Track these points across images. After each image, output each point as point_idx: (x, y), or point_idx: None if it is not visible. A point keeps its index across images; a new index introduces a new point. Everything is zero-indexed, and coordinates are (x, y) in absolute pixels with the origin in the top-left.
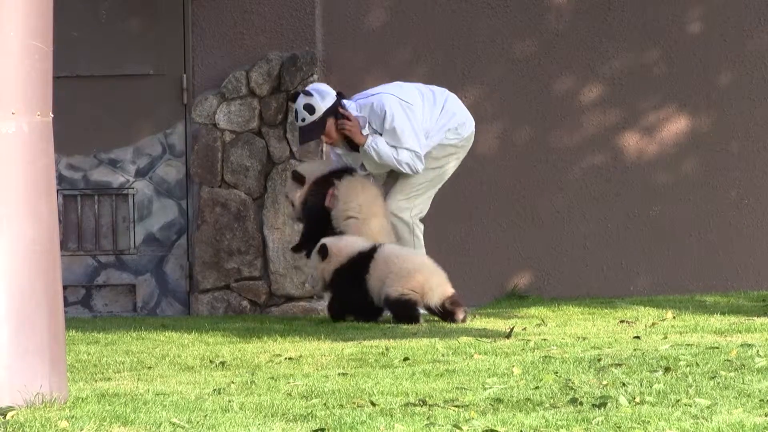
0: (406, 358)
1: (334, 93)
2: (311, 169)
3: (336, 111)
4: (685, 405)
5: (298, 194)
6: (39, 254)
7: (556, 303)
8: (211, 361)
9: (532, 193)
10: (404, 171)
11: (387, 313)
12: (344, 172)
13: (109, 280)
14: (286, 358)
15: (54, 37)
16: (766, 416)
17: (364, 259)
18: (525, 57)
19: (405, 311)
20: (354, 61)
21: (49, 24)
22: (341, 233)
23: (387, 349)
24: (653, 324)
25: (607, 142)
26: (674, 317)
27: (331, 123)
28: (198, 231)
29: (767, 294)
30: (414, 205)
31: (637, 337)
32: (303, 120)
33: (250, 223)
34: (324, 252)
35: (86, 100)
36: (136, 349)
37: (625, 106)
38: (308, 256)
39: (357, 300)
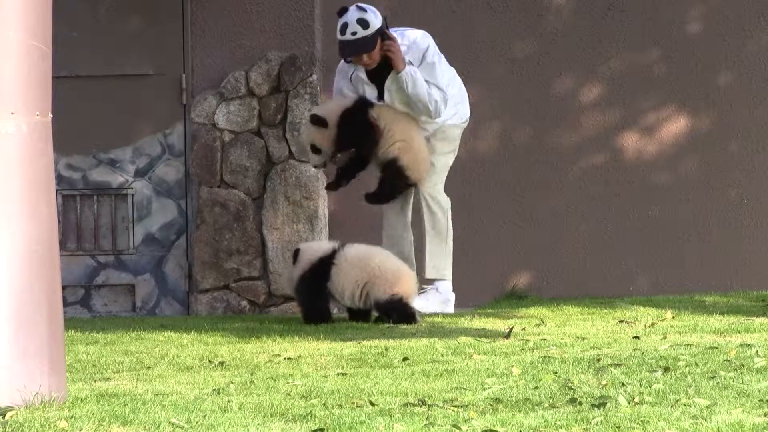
0: (405, 358)
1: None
2: (329, 110)
3: (383, 32)
4: (685, 405)
5: (325, 136)
6: (38, 254)
7: (556, 303)
8: (210, 361)
9: (532, 193)
10: (430, 108)
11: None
12: (367, 102)
13: (108, 280)
14: (285, 358)
15: (54, 37)
16: (765, 416)
17: (325, 266)
18: (525, 57)
19: (401, 311)
20: None
21: (49, 24)
22: (392, 161)
23: (386, 349)
24: (652, 324)
25: (607, 142)
26: (674, 317)
27: (378, 42)
28: (197, 231)
29: (767, 294)
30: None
31: (637, 337)
32: (353, 33)
33: (249, 223)
34: (296, 256)
35: (86, 100)
36: (135, 349)
37: (625, 106)
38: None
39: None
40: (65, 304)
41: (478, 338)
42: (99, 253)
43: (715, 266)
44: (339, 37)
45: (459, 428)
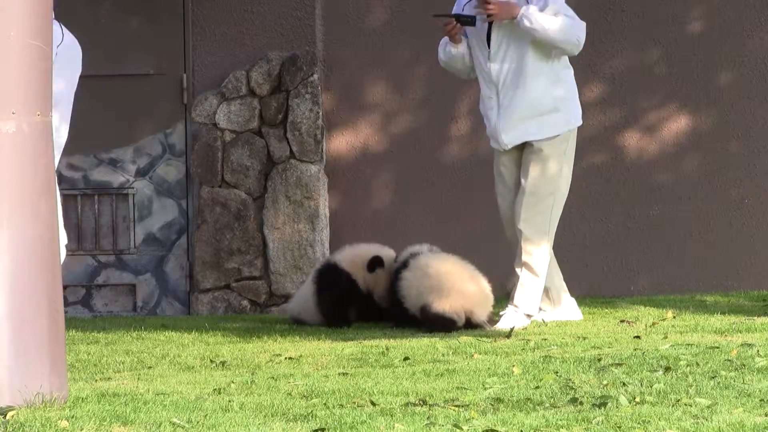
0: (406, 358)
1: None
2: (351, 260)
3: None
4: (686, 405)
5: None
6: (39, 254)
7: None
8: (211, 361)
9: None
10: (572, 42)
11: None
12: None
13: (109, 279)
14: (286, 358)
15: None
16: (766, 416)
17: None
18: None
19: None
20: (354, 61)
21: (49, 24)
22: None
23: (387, 348)
24: (653, 324)
25: (608, 142)
26: (674, 317)
27: None
28: (198, 231)
29: (767, 294)
30: (552, 227)
31: (638, 337)
32: None
33: (250, 222)
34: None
35: (86, 100)
36: (136, 348)
37: (626, 106)
38: None
39: None
40: (66, 303)
41: (479, 338)
42: (100, 253)
43: (716, 266)
44: None
45: (460, 428)
